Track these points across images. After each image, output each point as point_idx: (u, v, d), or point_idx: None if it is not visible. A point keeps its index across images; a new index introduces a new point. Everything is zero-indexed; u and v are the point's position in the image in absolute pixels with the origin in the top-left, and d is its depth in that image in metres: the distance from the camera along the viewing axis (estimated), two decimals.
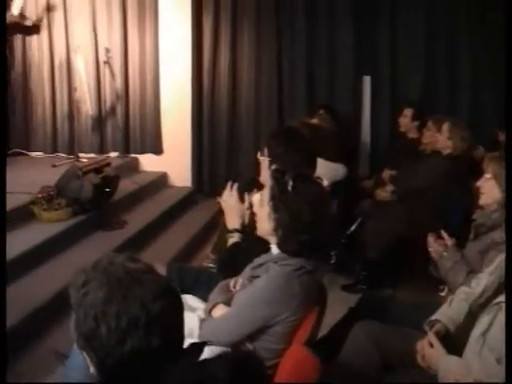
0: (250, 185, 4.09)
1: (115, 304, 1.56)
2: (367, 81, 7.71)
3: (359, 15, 7.44)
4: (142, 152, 8.33)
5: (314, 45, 7.64)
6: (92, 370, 1.66)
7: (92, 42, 8.05)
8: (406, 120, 6.75)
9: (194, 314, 2.99)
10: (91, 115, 8.08)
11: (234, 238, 3.38)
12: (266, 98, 7.90)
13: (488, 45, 7.02)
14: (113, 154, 8.24)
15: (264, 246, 2.84)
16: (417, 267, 4.97)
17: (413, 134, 6.72)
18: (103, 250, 5.51)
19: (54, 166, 7.29)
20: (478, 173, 3.93)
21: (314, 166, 3.67)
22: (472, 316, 2.74)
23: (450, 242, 3.63)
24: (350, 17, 7.44)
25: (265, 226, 2.74)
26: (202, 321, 2.88)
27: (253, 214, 2.91)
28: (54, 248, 5.34)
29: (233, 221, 3.46)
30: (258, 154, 3.76)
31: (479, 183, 3.74)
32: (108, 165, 6.44)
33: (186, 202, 7.78)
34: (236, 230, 3.40)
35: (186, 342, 2.17)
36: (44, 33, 8.18)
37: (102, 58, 8.04)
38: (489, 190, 3.64)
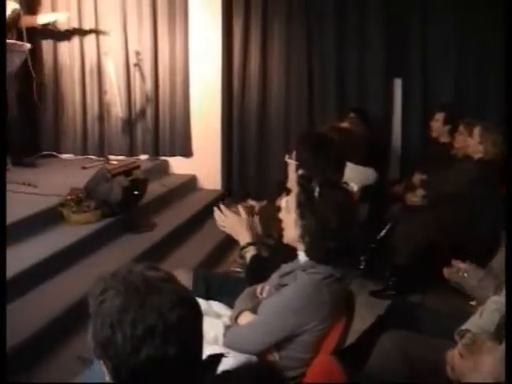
0: (279, 188, 4.06)
1: (131, 312, 1.54)
2: (398, 83, 7.62)
3: (391, 17, 7.36)
4: (172, 154, 8.33)
5: (344, 47, 7.57)
6: (108, 378, 1.64)
7: (122, 45, 8.09)
8: (437, 124, 6.67)
9: (219, 321, 2.96)
10: (121, 118, 8.10)
11: (250, 252, 3.29)
12: (296, 100, 7.84)
13: None
14: (142, 157, 8.27)
15: (291, 253, 2.80)
16: None
17: (444, 138, 6.63)
18: (131, 252, 5.55)
19: (83, 168, 7.33)
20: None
21: (341, 172, 3.62)
22: (504, 326, 2.68)
23: (465, 265, 3.45)
24: (382, 19, 7.36)
25: (291, 232, 2.70)
26: (227, 328, 2.85)
27: (279, 221, 2.86)
28: (83, 250, 5.35)
29: (242, 236, 3.38)
30: (286, 156, 3.72)
31: None
32: (137, 167, 6.44)
33: (215, 205, 7.71)
34: (249, 244, 3.32)
35: (211, 349, 2.15)
36: (75, 36, 8.23)
37: (133, 60, 8.07)
38: None
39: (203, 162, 8.21)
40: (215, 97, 8.00)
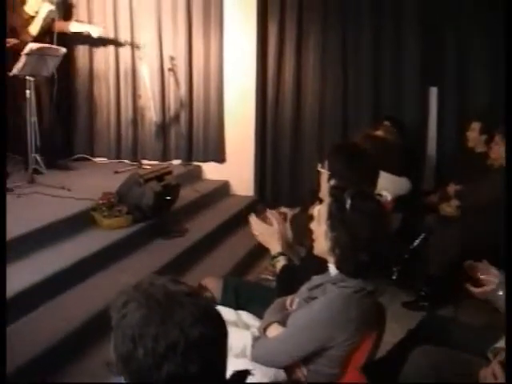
0: (312, 196, 4.02)
1: (153, 327, 1.50)
2: (434, 92, 7.53)
3: (426, 25, 7.28)
4: (205, 160, 8.31)
5: (379, 54, 7.50)
6: None
7: (157, 50, 8.11)
8: (473, 134, 6.55)
9: (247, 332, 2.93)
10: (155, 122, 8.12)
11: (280, 262, 3.29)
12: (330, 107, 7.78)
13: None
14: (175, 162, 8.26)
15: (322, 264, 2.75)
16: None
17: (481, 148, 6.51)
18: (162, 258, 5.55)
19: (116, 172, 7.35)
20: None
21: (375, 183, 3.55)
22: None
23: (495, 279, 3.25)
24: (417, 26, 7.27)
25: (322, 244, 2.65)
26: (255, 339, 2.81)
27: (310, 231, 2.81)
28: (114, 255, 5.37)
29: (273, 246, 3.38)
30: (319, 165, 3.67)
31: None
32: (169, 173, 6.44)
33: (248, 211, 7.68)
34: (280, 254, 3.32)
35: (238, 363, 2.11)
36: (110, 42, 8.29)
37: (167, 65, 8.09)
38: None
39: (236, 168, 8.17)
40: (249, 103, 7.97)
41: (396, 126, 6.77)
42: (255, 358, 2.65)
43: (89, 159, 8.52)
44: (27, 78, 6.60)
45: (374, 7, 7.41)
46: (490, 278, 2.99)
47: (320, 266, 2.77)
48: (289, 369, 2.58)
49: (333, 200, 2.62)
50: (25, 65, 6.44)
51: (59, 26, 7.23)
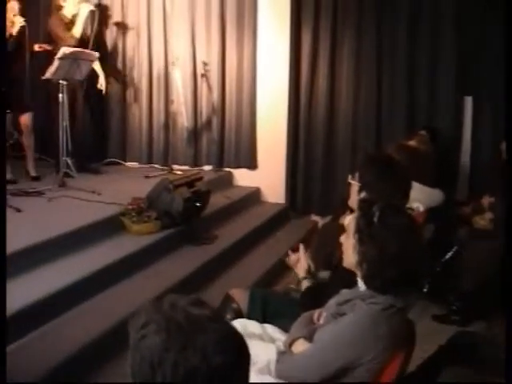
0: (343, 205, 3.95)
1: (173, 352, 1.43)
2: (469, 101, 7.41)
3: (462, 34, 7.17)
4: (237, 166, 8.27)
5: (414, 63, 7.40)
6: None
7: (190, 55, 8.11)
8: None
9: (273, 345, 2.87)
10: (187, 127, 8.10)
11: (305, 283, 3.38)
12: (364, 115, 7.70)
13: None
14: (207, 168, 8.24)
15: (352, 278, 2.68)
16: None
17: None
18: (190, 264, 5.52)
19: (146, 177, 7.35)
20: None
21: (407, 195, 3.47)
22: None
23: None
24: (453, 36, 7.17)
25: (350, 258, 2.58)
26: (280, 354, 2.74)
27: (340, 243, 2.74)
28: (142, 260, 5.34)
29: (300, 271, 3.49)
30: (349, 176, 3.60)
31: None
32: (200, 179, 6.42)
33: (278, 218, 7.67)
34: (305, 278, 3.42)
35: (262, 378, 2.04)
36: (144, 46, 8.32)
37: (200, 71, 8.09)
38: None
39: (268, 175, 8.11)
40: (282, 109, 7.91)
41: (431, 135, 6.68)
42: (279, 374, 2.59)
43: (120, 163, 8.55)
44: (60, 81, 6.62)
45: (409, 14, 7.33)
46: None
47: (350, 279, 2.71)
48: None
49: (361, 213, 2.55)
50: (58, 69, 6.47)
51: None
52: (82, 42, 7.23)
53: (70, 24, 7.28)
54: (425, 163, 5.55)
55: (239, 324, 3.09)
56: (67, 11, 7.31)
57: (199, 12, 8.05)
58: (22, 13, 6.73)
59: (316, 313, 2.81)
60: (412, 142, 6.22)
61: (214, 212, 6.70)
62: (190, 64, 8.11)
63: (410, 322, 2.61)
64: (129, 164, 8.58)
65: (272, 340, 2.97)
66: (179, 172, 7.60)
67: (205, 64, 8.03)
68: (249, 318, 3.27)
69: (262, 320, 3.26)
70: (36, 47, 7.06)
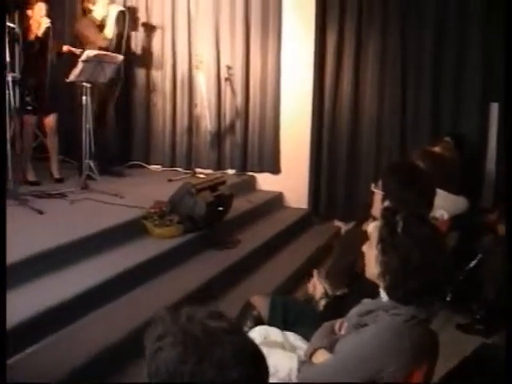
0: (366, 212, 3.90)
1: (189, 365, 1.40)
2: (495, 107, 7.32)
3: (489, 39, 7.08)
4: (260, 171, 8.24)
5: (440, 68, 7.32)
6: None
7: (214, 59, 8.11)
8: None
9: (294, 354, 2.83)
10: (210, 131, 8.08)
11: (322, 302, 3.36)
12: (388, 120, 7.62)
13: None
14: (230, 171, 8.22)
15: (374, 288, 2.63)
16: None
17: None
18: (212, 269, 5.50)
19: (169, 180, 7.34)
20: None
21: (431, 204, 3.42)
22: None
23: None
24: (480, 42, 7.08)
25: (373, 268, 2.53)
26: (301, 363, 2.71)
27: (362, 253, 2.69)
28: (164, 264, 5.33)
29: (317, 295, 3.45)
30: (372, 185, 3.54)
31: None
32: (223, 183, 6.41)
33: (301, 224, 7.62)
34: (321, 298, 3.39)
35: None
36: (168, 49, 8.34)
37: (224, 74, 8.08)
38: None
39: (291, 180, 8.07)
40: (306, 114, 7.86)
41: (456, 142, 6.60)
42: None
43: (143, 166, 8.55)
44: (84, 84, 6.64)
45: (435, 19, 7.24)
46: None
47: (372, 289, 2.66)
48: None
49: (384, 223, 2.50)
50: (82, 71, 6.48)
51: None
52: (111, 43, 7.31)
53: (101, 26, 7.32)
54: (450, 170, 5.47)
55: (261, 331, 3.07)
56: (97, 13, 7.36)
57: (224, 15, 8.04)
58: (48, 14, 6.76)
59: (337, 323, 2.77)
60: (437, 149, 6.15)
61: (237, 216, 6.68)
62: (214, 68, 8.10)
63: (433, 333, 2.56)
64: (152, 167, 8.58)
65: (293, 348, 2.94)
66: (202, 176, 7.59)
67: (229, 68, 8.02)
68: (269, 325, 3.25)
69: (283, 328, 3.23)
70: (65, 48, 7.08)
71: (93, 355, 3.85)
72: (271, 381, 1.61)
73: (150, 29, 8.38)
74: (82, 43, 7.15)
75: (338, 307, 3.03)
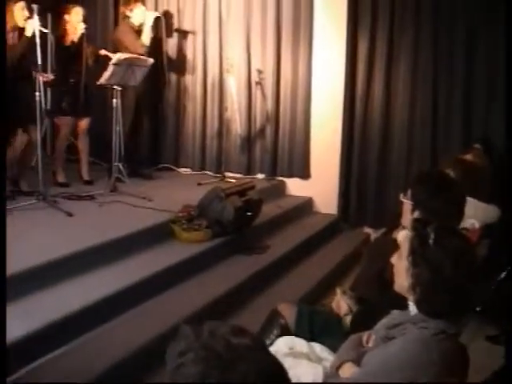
0: (396, 219, 3.84)
1: (211, 382, 1.36)
2: None
3: None
4: (289, 176, 8.20)
5: (472, 76, 7.23)
6: None
7: (245, 63, 8.10)
8: None
9: (320, 366, 2.79)
10: (240, 135, 8.06)
11: (348, 318, 3.31)
12: (419, 128, 7.53)
13: None
14: (259, 176, 8.19)
15: (401, 301, 2.58)
16: None
17: None
18: (239, 275, 5.49)
19: (199, 184, 7.33)
20: None
21: (461, 213, 3.35)
22: None
23: None
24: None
25: (402, 281, 2.48)
26: (327, 377, 2.66)
27: (391, 265, 2.64)
28: (192, 269, 5.32)
29: (342, 311, 3.40)
30: (401, 195, 3.47)
31: None
32: (252, 188, 6.37)
33: (330, 229, 7.57)
34: (346, 314, 3.34)
35: None
36: (199, 52, 8.36)
37: (255, 78, 8.07)
38: None
39: (321, 185, 8.01)
40: (336, 120, 7.80)
41: (486, 148, 6.52)
42: None
43: (173, 169, 8.55)
44: (114, 87, 6.66)
45: (467, 27, 7.16)
46: None
47: (400, 299, 2.61)
48: None
49: (415, 235, 2.44)
50: (112, 74, 6.50)
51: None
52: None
53: (138, 32, 7.36)
54: (480, 178, 5.40)
55: (287, 342, 3.03)
56: (135, 20, 7.40)
57: (255, 19, 8.03)
58: (85, 19, 6.82)
59: (365, 335, 2.72)
60: (468, 156, 6.08)
61: (266, 221, 6.65)
62: (245, 71, 8.09)
63: (462, 347, 2.50)
64: (181, 170, 8.59)
65: (319, 360, 2.90)
66: (231, 180, 7.57)
67: (259, 72, 8.01)
68: (296, 334, 3.21)
69: (309, 337, 3.19)
70: (102, 52, 7.10)
71: (120, 358, 3.86)
72: None
73: (182, 34, 8.39)
74: (118, 49, 7.14)
75: (365, 318, 2.98)
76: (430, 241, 2.37)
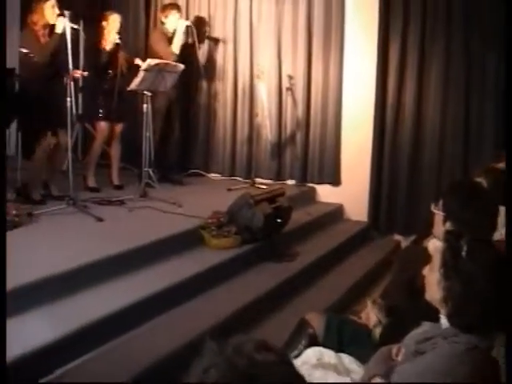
0: (428, 227, 3.79)
1: None
2: None
3: None
4: (320, 182, 8.16)
5: (504, 83, 7.14)
6: None
7: (276, 69, 8.09)
8: None
9: (348, 378, 2.76)
10: (270, 141, 8.06)
11: (377, 330, 3.28)
12: (451, 135, 7.46)
13: None
14: (289, 182, 8.16)
15: (433, 310, 2.54)
16: None
17: None
18: (268, 282, 5.46)
19: (229, 189, 7.32)
20: None
21: (494, 224, 3.29)
22: None
23: None
24: None
25: (434, 293, 2.43)
26: None
27: (423, 276, 2.60)
28: (221, 275, 5.30)
29: (371, 323, 3.38)
30: (432, 205, 3.42)
31: None
32: (282, 194, 6.34)
33: (360, 237, 7.52)
34: (375, 326, 3.30)
35: None
36: (230, 58, 8.36)
37: (285, 84, 8.05)
38: None
39: (351, 192, 7.96)
40: (367, 127, 7.75)
41: None
42: None
43: (203, 175, 8.56)
44: (145, 92, 6.69)
45: (499, 34, 7.06)
46: None
47: (431, 309, 2.57)
48: None
49: (447, 247, 2.40)
50: (142, 80, 6.54)
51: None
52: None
53: (170, 40, 7.39)
54: None
55: (315, 352, 3.00)
56: (169, 26, 7.44)
57: (286, 25, 8.02)
58: (121, 25, 6.91)
59: (395, 348, 2.67)
60: (501, 165, 6.00)
61: (296, 228, 6.61)
62: (276, 77, 8.09)
63: (494, 362, 2.46)
64: (211, 176, 8.60)
65: (347, 372, 2.86)
66: (261, 186, 7.56)
67: (290, 78, 7.99)
68: (324, 345, 3.17)
69: (338, 348, 3.16)
70: (136, 61, 7.14)
71: (148, 364, 3.84)
72: None
73: (213, 40, 8.42)
74: (150, 56, 7.15)
75: (395, 330, 2.94)
76: (463, 253, 2.32)
